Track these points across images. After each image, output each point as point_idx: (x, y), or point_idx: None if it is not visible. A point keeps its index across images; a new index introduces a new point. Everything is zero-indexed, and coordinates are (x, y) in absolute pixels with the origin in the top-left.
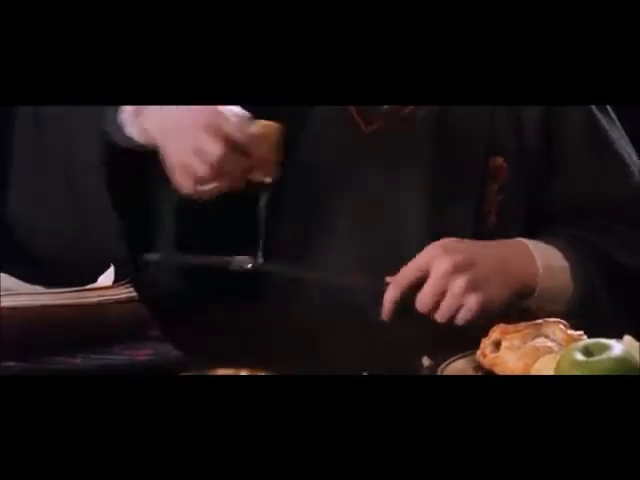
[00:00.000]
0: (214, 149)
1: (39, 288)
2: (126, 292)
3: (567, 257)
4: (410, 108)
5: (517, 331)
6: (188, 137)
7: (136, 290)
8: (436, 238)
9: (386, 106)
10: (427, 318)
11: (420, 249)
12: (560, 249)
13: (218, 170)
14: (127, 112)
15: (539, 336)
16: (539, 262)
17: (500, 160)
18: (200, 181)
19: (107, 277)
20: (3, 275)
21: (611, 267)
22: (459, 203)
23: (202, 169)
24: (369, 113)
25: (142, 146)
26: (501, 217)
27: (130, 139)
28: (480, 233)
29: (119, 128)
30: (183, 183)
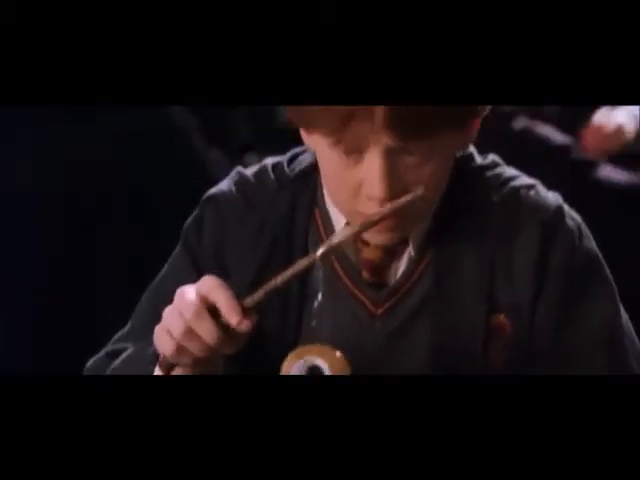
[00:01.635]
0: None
1: None
2: None
3: None
4: (414, 279)
5: None
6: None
7: None
8: None
9: (393, 281)
10: None
11: None
12: None
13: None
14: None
15: None
16: None
17: (501, 317)
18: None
19: None
20: None
21: None
22: (463, 365)
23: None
24: (376, 295)
25: None
26: (508, 370)
27: None
28: None
29: None
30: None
